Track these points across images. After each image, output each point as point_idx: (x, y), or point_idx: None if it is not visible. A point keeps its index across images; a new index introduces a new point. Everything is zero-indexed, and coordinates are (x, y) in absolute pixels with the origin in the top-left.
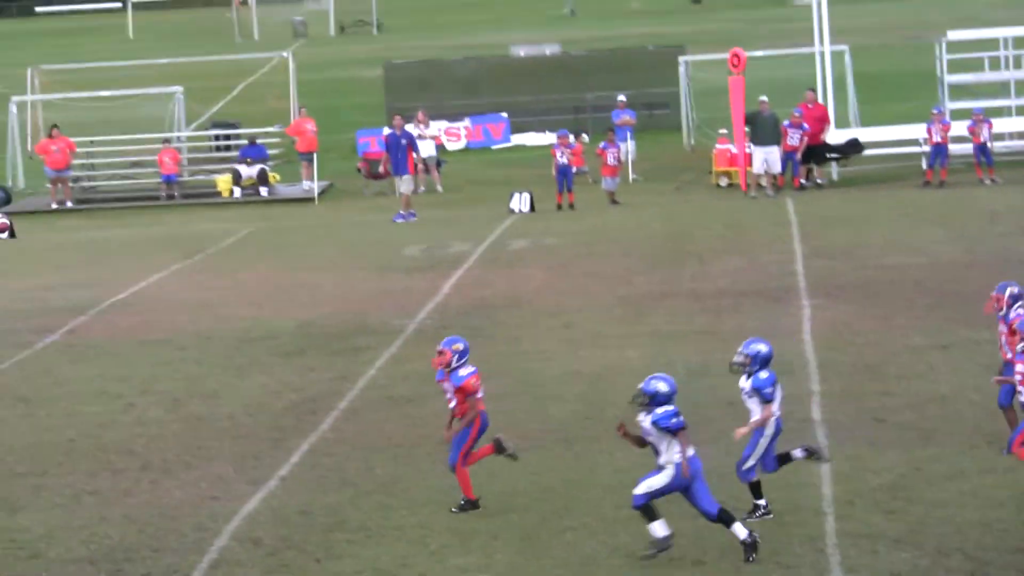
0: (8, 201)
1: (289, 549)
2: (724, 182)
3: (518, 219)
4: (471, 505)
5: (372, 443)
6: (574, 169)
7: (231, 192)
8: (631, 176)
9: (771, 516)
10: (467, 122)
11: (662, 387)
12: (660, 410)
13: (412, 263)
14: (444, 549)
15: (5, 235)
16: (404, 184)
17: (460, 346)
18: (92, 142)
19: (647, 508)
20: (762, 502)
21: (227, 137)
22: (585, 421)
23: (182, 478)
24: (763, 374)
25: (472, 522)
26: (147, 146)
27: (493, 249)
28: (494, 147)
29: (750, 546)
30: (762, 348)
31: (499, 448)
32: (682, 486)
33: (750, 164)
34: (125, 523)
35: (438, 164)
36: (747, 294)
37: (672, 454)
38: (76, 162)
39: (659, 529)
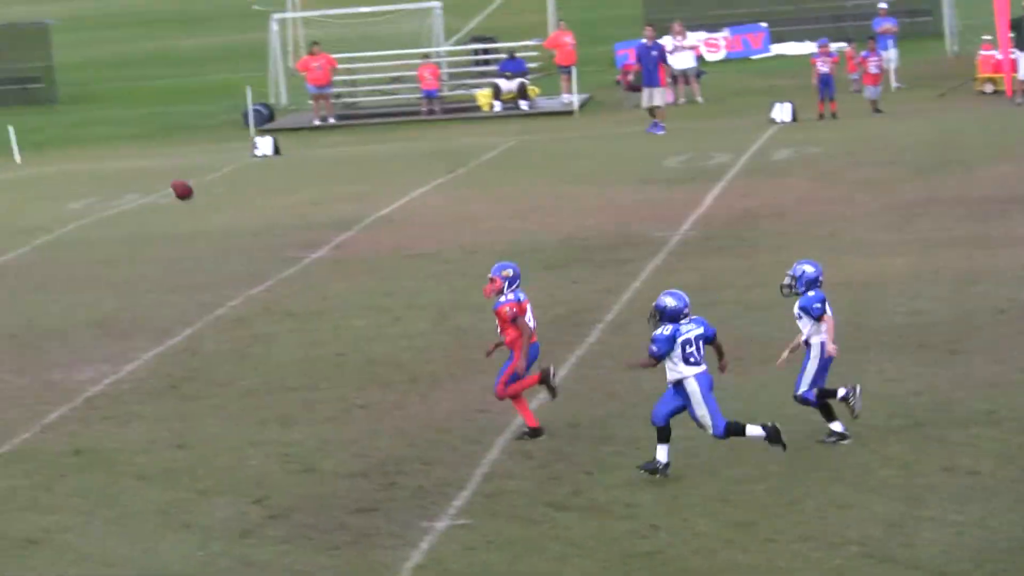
0: (271, 118)
1: (559, 461)
2: (989, 89)
3: (780, 129)
4: (534, 433)
5: (634, 355)
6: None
7: (491, 106)
8: (893, 84)
9: (847, 442)
10: (726, 32)
11: (671, 302)
12: (660, 332)
13: (674, 174)
14: (715, 460)
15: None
16: (657, 96)
17: (510, 272)
18: (352, 58)
19: (664, 428)
20: (838, 427)
21: (486, 51)
22: (853, 330)
23: (451, 391)
24: (810, 293)
25: None
26: (407, 62)
27: (755, 159)
28: (754, 57)
29: (774, 436)
30: (808, 269)
31: (544, 379)
32: (707, 394)
33: (1015, 70)
34: (396, 436)
35: (697, 75)
36: (1015, 200)
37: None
38: (337, 78)
39: (663, 453)
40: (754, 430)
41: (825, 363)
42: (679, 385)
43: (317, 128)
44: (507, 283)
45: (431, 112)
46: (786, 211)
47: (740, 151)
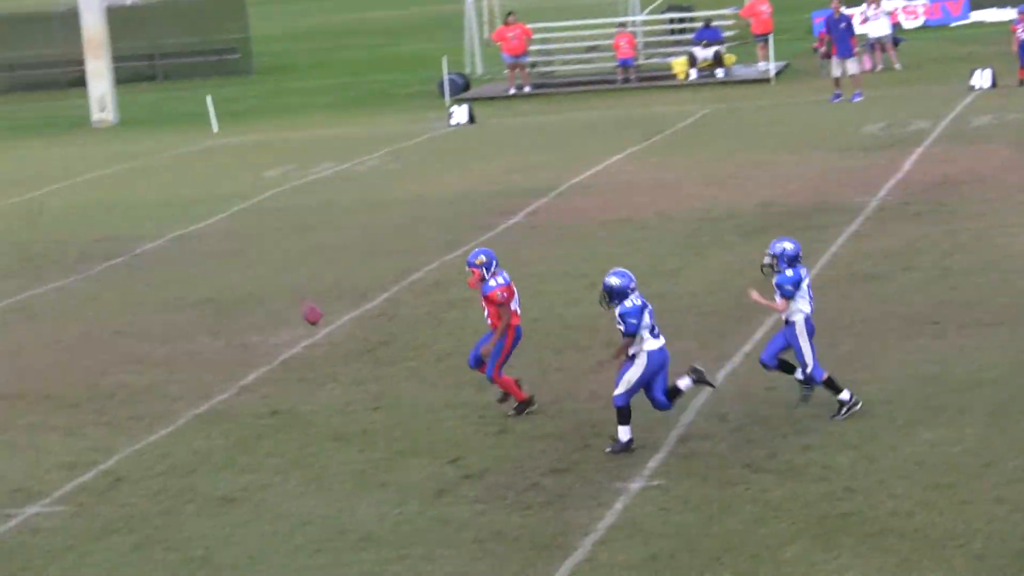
0: (466, 88)
1: (755, 424)
2: None
3: (979, 95)
4: (526, 405)
5: (835, 320)
6: None
7: (687, 75)
8: None
9: (858, 407)
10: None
11: (614, 281)
12: (625, 305)
13: (872, 141)
14: (913, 423)
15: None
16: (850, 66)
17: (483, 258)
18: (548, 28)
19: (624, 410)
20: (844, 396)
21: (682, 20)
22: None
23: None
24: (788, 272)
25: (941, 397)
26: (603, 31)
27: (954, 125)
28: (952, 24)
29: (699, 378)
30: (787, 246)
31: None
32: (657, 371)
33: None
34: (591, 399)
35: (895, 42)
36: None
37: (640, 344)
38: (532, 48)
39: (625, 433)
40: (683, 382)
41: (810, 332)
42: (634, 358)
43: (512, 97)
44: (485, 269)
45: (626, 81)
46: (986, 177)
47: (939, 117)
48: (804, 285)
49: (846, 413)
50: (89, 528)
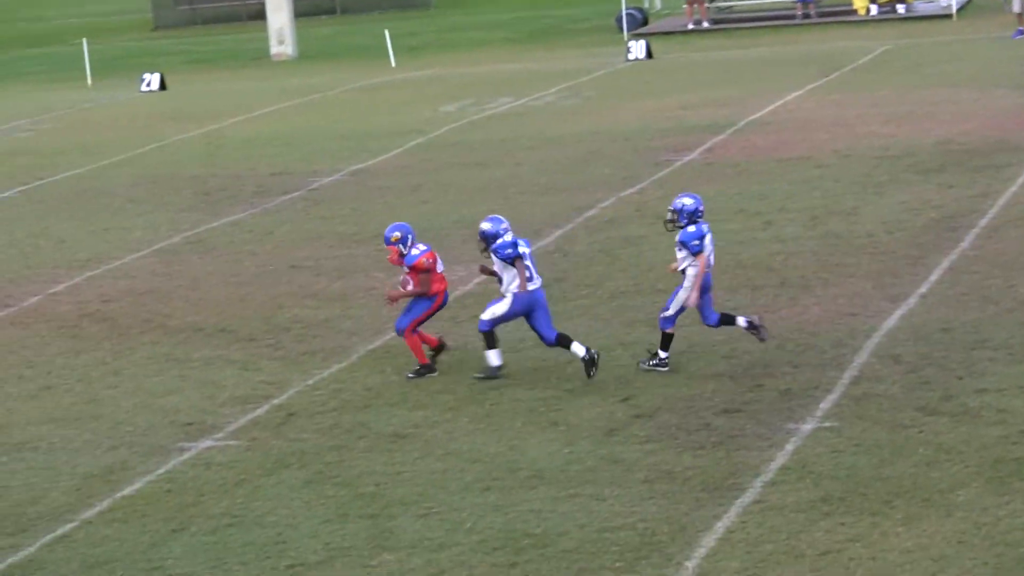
0: (645, 22)
1: (929, 366)
2: None
3: None
4: (426, 369)
5: (1013, 261)
6: None
7: (867, 10)
8: None
9: (666, 369)
10: None
11: (486, 226)
12: (498, 241)
13: None
14: None
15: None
16: (1016, 3)
17: (398, 234)
18: None
19: (489, 335)
20: (663, 354)
21: None
22: None
23: (820, 295)
24: (691, 228)
25: None
26: None
27: None
28: None
29: (589, 362)
30: (687, 202)
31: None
32: (522, 312)
33: None
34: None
35: None
36: None
37: (510, 284)
38: None
39: (494, 358)
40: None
41: (704, 289)
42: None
43: (690, 32)
44: (402, 244)
45: (806, 16)
46: None
47: None
48: (707, 240)
49: (651, 365)
50: (261, 463)
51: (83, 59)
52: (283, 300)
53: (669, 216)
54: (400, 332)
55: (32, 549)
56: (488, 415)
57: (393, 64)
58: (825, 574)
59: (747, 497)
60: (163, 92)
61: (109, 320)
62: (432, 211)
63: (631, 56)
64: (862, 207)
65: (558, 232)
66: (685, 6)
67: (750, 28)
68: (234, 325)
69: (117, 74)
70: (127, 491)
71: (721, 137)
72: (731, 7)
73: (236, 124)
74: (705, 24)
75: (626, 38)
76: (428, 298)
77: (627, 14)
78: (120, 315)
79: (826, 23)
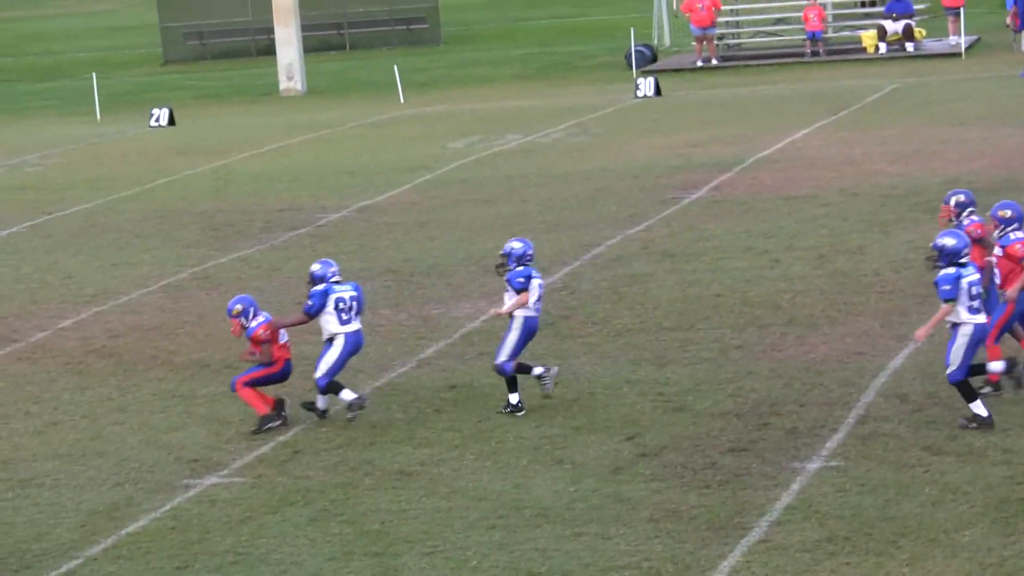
0: (654, 59)
1: (936, 405)
2: None
3: None
4: (267, 421)
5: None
6: None
7: (876, 48)
8: None
9: (521, 414)
10: None
11: (316, 267)
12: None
13: None
14: None
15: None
16: None
17: (239, 307)
18: (737, 0)
19: (332, 385)
20: (515, 399)
21: None
22: None
23: (827, 333)
24: (519, 268)
25: None
26: (792, 2)
27: None
28: None
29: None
30: (516, 246)
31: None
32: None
33: None
34: (771, 377)
35: None
36: None
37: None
38: (721, 20)
39: (348, 395)
40: (347, 395)
41: (530, 333)
42: (331, 340)
43: (699, 69)
44: (244, 317)
45: (815, 54)
46: None
47: None
48: (535, 284)
49: (508, 410)
50: (267, 500)
51: (92, 93)
52: (289, 336)
53: (500, 261)
54: (232, 388)
55: None
56: (494, 453)
57: (402, 100)
58: None
59: (752, 536)
60: (172, 127)
61: (115, 356)
62: (439, 247)
63: (640, 93)
64: (869, 246)
65: (565, 269)
66: (694, 43)
67: (759, 66)
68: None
69: (126, 109)
70: (132, 528)
71: (728, 175)
72: (740, 44)
73: (244, 159)
74: (714, 61)
75: (635, 75)
76: (266, 363)
77: (636, 51)
78: (126, 351)
79: (835, 61)
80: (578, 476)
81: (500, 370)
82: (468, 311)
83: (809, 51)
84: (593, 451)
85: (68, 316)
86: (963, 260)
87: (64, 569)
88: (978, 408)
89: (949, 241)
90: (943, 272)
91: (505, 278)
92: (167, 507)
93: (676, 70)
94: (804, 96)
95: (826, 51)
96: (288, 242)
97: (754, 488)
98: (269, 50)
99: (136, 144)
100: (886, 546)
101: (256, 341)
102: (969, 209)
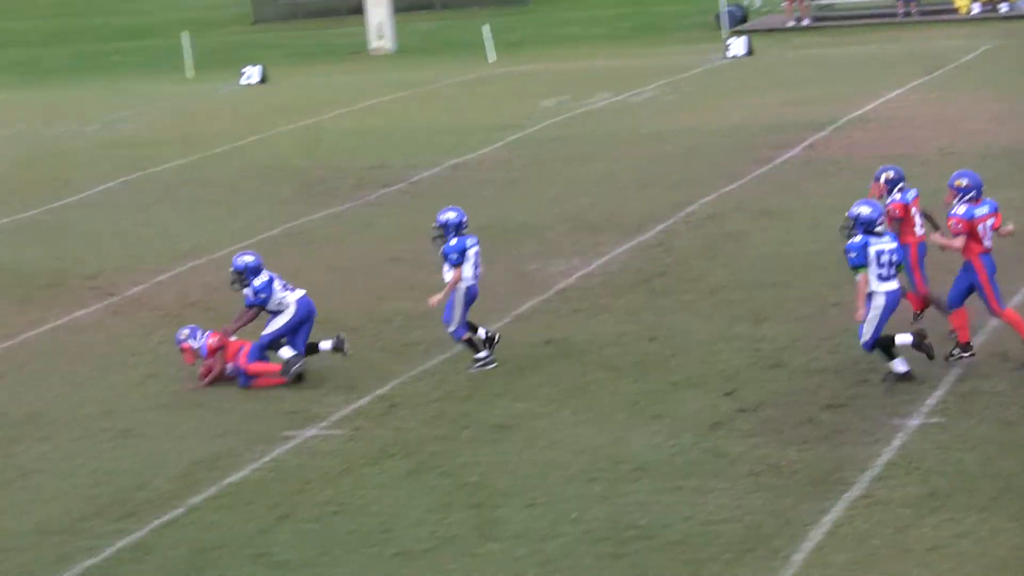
0: (744, 19)
1: None
2: None
3: None
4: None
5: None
6: None
7: (968, 9)
8: None
9: (493, 365)
10: None
11: (248, 259)
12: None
13: None
14: None
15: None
16: None
17: (186, 332)
18: None
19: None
20: (481, 354)
21: None
22: None
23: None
24: (452, 241)
25: None
26: None
27: None
28: None
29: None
30: (450, 216)
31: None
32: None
33: None
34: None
35: None
36: None
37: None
38: None
39: (286, 351)
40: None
41: (470, 300)
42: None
43: (791, 29)
44: (191, 338)
45: (907, 14)
46: None
47: None
48: (471, 253)
49: (478, 367)
50: (365, 452)
51: (182, 52)
52: (383, 292)
53: (435, 233)
54: (245, 384)
55: (141, 533)
56: (591, 408)
57: (491, 59)
58: (933, 570)
59: (853, 492)
60: (263, 85)
61: (212, 309)
62: (532, 205)
63: (730, 53)
64: None
65: (659, 227)
66: (785, 3)
67: (851, 26)
68: (335, 316)
69: (217, 67)
70: (233, 478)
71: (823, 134)
72: (832, 5)
73: (336, 117)
74: (806, 22)
75: (725, 35)
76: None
77: (727, 11)
78: (223, 304)
79: (927, 21)
80: (676, 431)
81: (454, 337)
82: (563, 268)
83: (901, 12)
84: (690, 406)
85: (164, 270)
86: (878, 229)
87: (168, 518)
88: (898, 366)
89: (864, 210)
90: (851, 240)
91: (441, 252)
92: (267, 458)
93: (768, 30)
94: (897, 56)
95: (918, 11)
96: (381, 199)
97: (854, 444)
98: (359, 9)
99: (228, 102)
100: (989, 502)
101: (211, 352)
102: (900, 184)
